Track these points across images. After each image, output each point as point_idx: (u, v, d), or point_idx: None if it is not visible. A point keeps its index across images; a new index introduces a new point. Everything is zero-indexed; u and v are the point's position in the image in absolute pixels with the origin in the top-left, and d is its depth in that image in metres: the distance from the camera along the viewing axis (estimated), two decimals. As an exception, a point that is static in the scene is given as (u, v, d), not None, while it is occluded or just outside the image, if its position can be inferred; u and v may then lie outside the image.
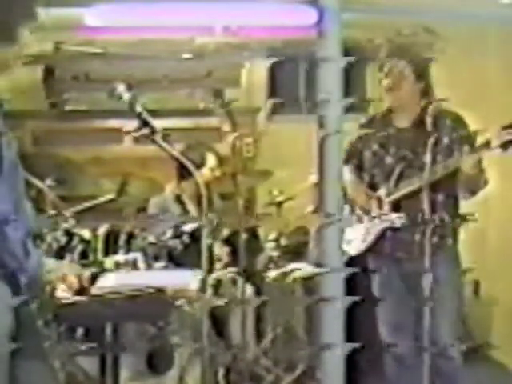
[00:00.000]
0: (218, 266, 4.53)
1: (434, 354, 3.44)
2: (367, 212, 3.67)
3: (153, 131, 2.79)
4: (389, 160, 3.62)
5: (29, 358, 2.44)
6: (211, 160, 4.67)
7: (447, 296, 3.52)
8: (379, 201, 3.62)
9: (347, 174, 3.70)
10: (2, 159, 2.33)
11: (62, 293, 2.57)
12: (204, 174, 4.48)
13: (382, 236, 3.64)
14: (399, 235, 3.57)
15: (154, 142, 2.78)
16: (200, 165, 4.48)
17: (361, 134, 3.75)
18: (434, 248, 3.45)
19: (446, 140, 3.48)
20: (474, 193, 3.51)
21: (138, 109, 2.76)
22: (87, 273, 2.63)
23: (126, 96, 2.75)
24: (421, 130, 3.49)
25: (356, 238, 3.70)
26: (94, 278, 2.68)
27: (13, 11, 2.43)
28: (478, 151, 3.29)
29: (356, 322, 4.31)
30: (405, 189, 3.51)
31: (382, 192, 3.62)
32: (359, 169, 3.74)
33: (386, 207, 3.59)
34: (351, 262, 3.67)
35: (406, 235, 3.55)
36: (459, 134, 3.47)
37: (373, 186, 3.68)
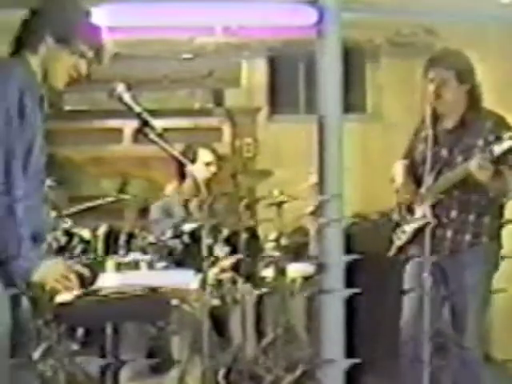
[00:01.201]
0: (217, 265, 4.54)
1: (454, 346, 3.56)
2: (411, 208, 3.74)
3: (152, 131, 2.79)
4: (430, 159, 3.66)
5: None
6: (204, 155, 4.65)
7: (473, 294, 3.56)
8: (420, 197, 3.68)
9: (399, 167, 3.78)
10: (30, 156, 2.39)
11: (62, 294, 2.56)
12: (199, 170, 4.47)
13: (421, 230, 3.67)
14: (434, 231, 3.58)
15: (153, 141, 2.77)
16: (193, 161, 4.46)
17: (415, 133, 3.81)
18: (466, 246, 3.56)
19: (481, 142, 3.51)
20: (503, 196, 3.55)
21: (138, 109, 2.76)
22: (86, 271, 2.62)
23: (126, 96, 2.75)
24: (461, 130, 3.55)
25: (403, 231, 3.76)
26: (94, 278, 2.68)
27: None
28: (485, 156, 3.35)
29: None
30: (437, 187, 3.57)
31: (423, 189, 3.67)
32: (414, 167, 3.81)
33: (426, 203, 3.63)
34: (398, 252, 3.78)
35: (439, 231, 3.58)
36: (497, 135, 3.48)
37: (419, 184, 3.73)
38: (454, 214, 3.56)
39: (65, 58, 2.49)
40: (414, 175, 3.76)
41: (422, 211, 3.67)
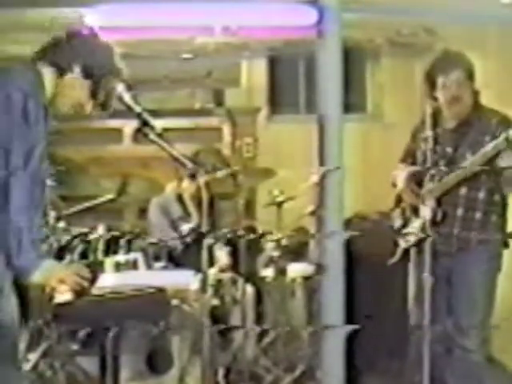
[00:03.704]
0: (217, 266, 4.54)
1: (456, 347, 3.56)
2: (415, 210, 3.75)
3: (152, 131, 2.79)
4: (434, 158, 3.65)
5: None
6: (221, 173, 4.65)
7: (480, 293, 3.56)
8: (423, 197, 3.68)
9: (400, 173, 3.79)
10: (30, 159, 2.44)
11: (61, 294, 2.57)
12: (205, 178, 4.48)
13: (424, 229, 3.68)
14: (440, 229, 3.59)
15: (153, 141, 2.77)
16: (207, 171, 4.47)
17: (414, 135, 3.81)
18: (473, 243, 3.56)
19: (488, 139, 3.50)
20: None
21: (138, 109, 2.76)
22: (87, 272, 2.64)
23: (126, 96, 2.75)
24: (466, 128, 3.57)
25: (409, 232, 3.75)
26: (93, 278, 2.68)
27: None
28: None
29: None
30: (444, 185, 3.57)
31: (426, 189, 3.67)
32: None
33: (430, 203, 3.62)
34: (405, 254, 3.75)
35: (445, 229, 3.58)
36: (503, 133, 3.49)
37: (422, 184, 3.73)
38: (460, 211, 3.56)
39: (78, 91, 2.64)
40: (416, 177, 3.76)
41: (427, 210, 3.66)
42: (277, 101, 6.97)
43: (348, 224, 4.34)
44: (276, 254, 4.68)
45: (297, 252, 5.17)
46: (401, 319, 3.87)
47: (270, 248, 4.79)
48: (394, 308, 3.91)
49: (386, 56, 6.57)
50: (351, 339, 4.08)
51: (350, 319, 3.93)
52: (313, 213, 4.55)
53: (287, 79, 6.98)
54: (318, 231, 4.02)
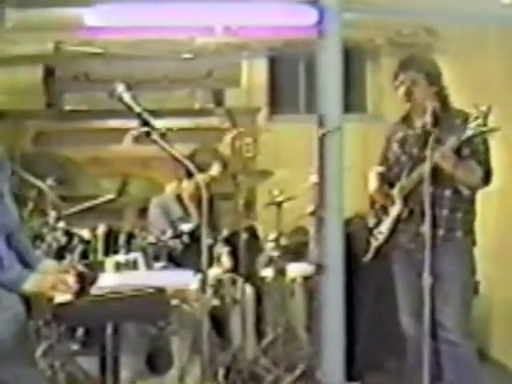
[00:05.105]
0: (217, 266, 4.54)
1: (442, 342, 3.59)
2: (385, 209, 3.81)
3: (153, 131, 2.79)
4: (403, 158, 3.76)
5: (18, 363, 2.46)
6: (215, 169, 4.66)
7: (452, 289, 3.57)
8: (392, 197, 3.75)
9: (372, 174, 3.87)
10: None
11: (61, 295, 2.57)
12: (203, 178, 4.48)
13: (395, 228, 3.74)
14: (408, 227, 3.67)
15: (154, 142, 2.77)
16: (204, 170, 4.47)
17: (388, 137, 3.90)
18: (440, 240, 3.58)
19: (453, 138, 3.54)
20: (470, 188, 3.62)
21: (138, 109, 2.76)
22: (83, 269, 2.65)
23: (126, 96, 2.75)
24: (432, 129, 3.57)
25: (379, 232, 3.83)
26: (93, 278, 2.68)
27: None
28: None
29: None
30: (410, 184, 3.64)
31: (396, 189, 3.74)
32: (388, 169, 3.88)
33: (399, 202, 3.70)
34: (377, 253, 3.83)
35: (413, 227, 3.63)
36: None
37: (393, 184, 3.80)
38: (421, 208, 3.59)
39: None
40: (389, 177, 3.84)
41: (396, 210, 3.74)
42: (277, 101, 6.97)
43: (348, 224, 4.35)
44: (276, 253, 4.68)
45: (297, 252, 5.17)
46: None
47: (269, 248, 4.79)
48: (394, 307, 3.91)
49: (385, 56, 6.57)
50: (351, 339, 4.09)
51: (349, 319, 3.93)
52: (313, 213, 4.56)
53: (287, 79, 6.98)
54: (318, 231, 4.03)
